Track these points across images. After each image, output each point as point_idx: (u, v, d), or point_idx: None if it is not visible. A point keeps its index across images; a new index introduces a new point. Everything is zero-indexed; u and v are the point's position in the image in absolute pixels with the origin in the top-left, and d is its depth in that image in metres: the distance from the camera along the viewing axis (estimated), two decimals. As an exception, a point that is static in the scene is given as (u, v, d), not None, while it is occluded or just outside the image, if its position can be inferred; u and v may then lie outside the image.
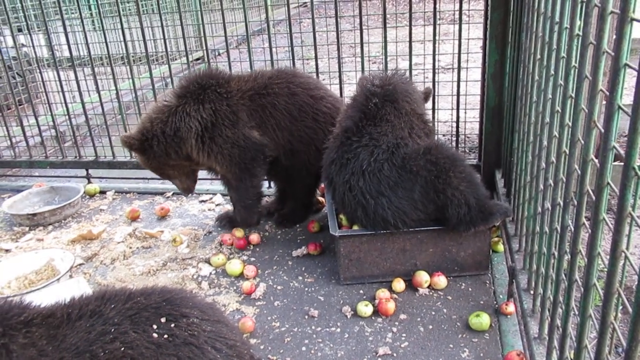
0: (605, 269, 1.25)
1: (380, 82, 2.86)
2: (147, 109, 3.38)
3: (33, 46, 4.48)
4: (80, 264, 3.23)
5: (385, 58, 3.60)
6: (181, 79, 3.27)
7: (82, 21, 3.99)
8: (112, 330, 1.59)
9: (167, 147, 3.14)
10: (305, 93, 3.22)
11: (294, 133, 3.19)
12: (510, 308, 2.49)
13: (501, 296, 2.66)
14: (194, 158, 3.20)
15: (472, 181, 2.62)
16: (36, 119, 4.44)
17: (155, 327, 1.62)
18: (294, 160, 3.27)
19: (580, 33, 1.46)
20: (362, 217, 2.69)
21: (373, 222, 2.67)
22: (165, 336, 1.61)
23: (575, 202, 1.50)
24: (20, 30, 5.71)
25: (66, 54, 4.11)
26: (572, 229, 1.53)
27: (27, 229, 3.74)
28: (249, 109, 3.15)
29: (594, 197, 1.32)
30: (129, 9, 7.66)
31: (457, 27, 3.44)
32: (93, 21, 7.11)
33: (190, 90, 3.14)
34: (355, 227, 2.84)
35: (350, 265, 2.80)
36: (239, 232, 3.37)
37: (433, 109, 3.62)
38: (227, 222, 3.50)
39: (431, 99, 3.33)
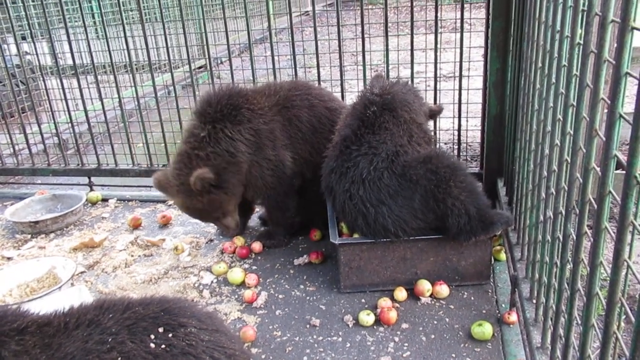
0: (608, 278, 1.24)
1: (380, 91, 2.86)
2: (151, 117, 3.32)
3: (37, 54, 4.51)
4: (81, 272, 3.23)
5: (387, 66, 3.61)
6: (205, 100, 3.06)
7: (85, 29, 4.01)
8: (110, 339, 1.58)
9: (235, 171, 2.98)
10: (322, 105, 3.20)
11: (314, 145, 3.15)
12: (513, 317, 2.48)
13: (503, 305, 2.64)
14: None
15: (473, 190, 2.61)
16: (39, 126, 4.45)
17: (152, 337, 1.61)
18: (313, 173, 3.19)
19: (581, 42, 1.46)
20: (363, 225, 2.69)
21: (373, 230, 2.66)
22: (163, 346, 1.60)
23: (577, 211, 1.49)
24: (24, 38, 5.76)
25: (69, 62, 4.14)
26: (574, 238, 1.52)
27: (29, 236, 3.74)
28: (281, 124, 3.09)
29: (595, 206, 1.31)
30: (132, 17, 7.71)
31: (458, 35, 3.45)
32: (96, 29, 7.15)
33: (222, 111, 2.98)
34: (355, 236, 2.83)
35: (350, 273, 2.79)
36: (239, 241, 3.36)
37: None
38: (266, 238, 3.39)
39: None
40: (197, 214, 3.10)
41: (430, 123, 3.23)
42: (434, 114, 3.14)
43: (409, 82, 3.21)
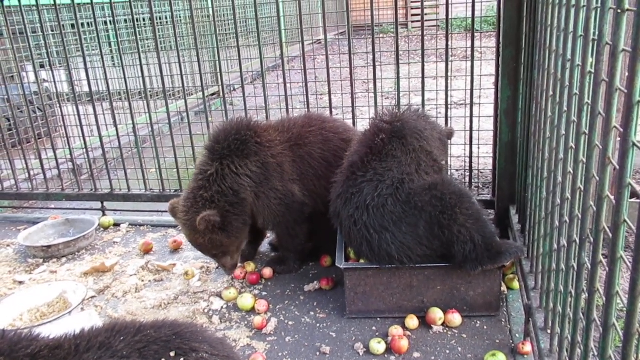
0: (625, 309, 1.22)
1: (390, 119, 2.88)
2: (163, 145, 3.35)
3: (54, 81, 4.61)
4: (92, 297, 3.23)
5: (398, 94, 3.64)
6: (214, 136, 3.10)
7: (102, 57, 4.10)
8: None
9: (239, 213, 3.01)
10: (337, 137, 3.21)
11: (329, 179, 3.11)
12: (527, 348, 2.43)
13: (517, 335, 2.59)
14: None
15: (479, 219, 2.59)
16: (54, 152, 4.52)
17: (164, 360, 1.60)
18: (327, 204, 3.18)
19: (592, 70, 1.47)
20: (367, 251, 2.68)
21: (378, 256, 2.65)
22: (175, 370, 1.59)
23: (592, 240, 1.48)
24: (42, 66, 5.90)
25: (86, 89, 4.22)
26: (589, 267, 1.50)
27: (41, 260, 3.76)
28: (291, 160, 3.11)
29: (610, 235, 1.29)
30: (148, 46, 7.88)
31: (469, 63, 3.48)
32: (113, 57, 7.31)
33: (230, 147, 3.01)
34: (362, 261, 2.81)
35: (356, 298, 2.77)
36: (249, 267, 3.35)
37: (446, 144, 3.63)
38: (276, 264, 3.39)
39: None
40: (198, 248, 3.14)
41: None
42: (449, 138, 3.16)
43: (421, 110, 3.22)
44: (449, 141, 3.25)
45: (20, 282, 3.47)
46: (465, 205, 2.57)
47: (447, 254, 2.61)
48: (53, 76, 4.43)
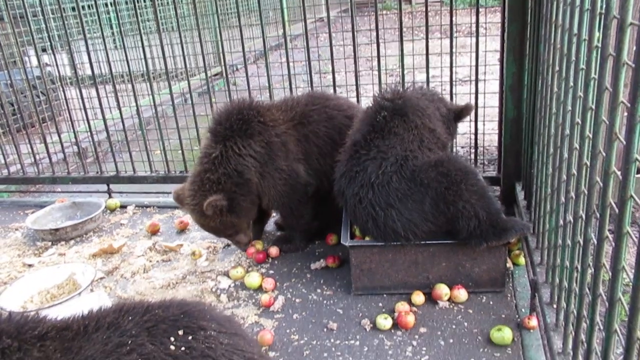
0: (631, 283, 1.23)
1: (391, 96, 2.86)
2: (168, 123, 3.33)
3: (57, 65, 4.59)
4: (101, 278, 3.27)
5: (402, 71, 3.61)
6: (216, 118, 3.08)
7: (103, 40, 4.08)
8: (129, 342, 1.59)
9: (246, 193, 3.02)
10: (341, 115, 3.20)
11: (335, 158, 3.11)
12: (533, 322, 2.45)
13: (523, 310, 2.61)
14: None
15: (484, 195, 2.59)
16: (59, 136, 4.53)
17: (172, 339, 1.62)
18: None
19: (600, 45, 1.45)
20: (373, 228, 2.69)
21: (383, 233, 2.66)
22: (183, 348, 1.61)
23: (598, 215, 1.48)
24: (44, 50, 5.87)
25: (88, 72, 4.20)
26: (595, 242, 1.50)
27: (49, 243, 3.80)
28: (295, 139, 3.10)
29: (617, 210, 1.30)
30: (149, 27, 7.82)
31: (474, 39, 3.44)
32: (114, 40, 7.27)
33: (233, 128, 3.00)
34: (367, 239, 2.83)
35: (361, 275, 2.79)
36: (259, 245, 3.38)
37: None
38: (283, 243, 3.41)
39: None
40: (210, 231, 3.17)
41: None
42: (461, 114, 3.10)
43: (425, 87, 3.20)
44: (466, 117, 3.20)
45: (30, 265, 3.51)
46: (470, 181, 2.57)
47: (452, 230, 2.62)
48: (55, 60, 4.41)
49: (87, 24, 5.86)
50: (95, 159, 4.49)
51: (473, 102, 3.60)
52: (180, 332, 1.65)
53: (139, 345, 1.59)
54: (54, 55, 4.39)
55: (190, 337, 1.64)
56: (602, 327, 1.45)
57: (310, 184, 3.17)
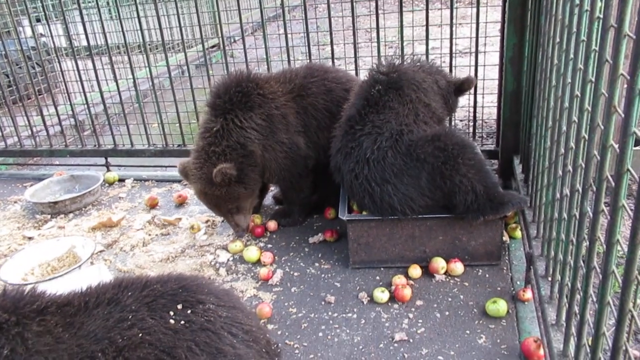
0: (625, 256, 1.24)
1: (387, 69, 2.83)
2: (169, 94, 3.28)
3: (51, 36, 4.53)
4: (100, 251, 3.29)
5: (402, 43, 3.56)
6: (215, 92, 3.05)
7: (99, 10, 4.02)
8: (130, 317, 1.61)
9: (253, 164, 2.99)
10: (339, 87, 3.17)
11: (333, 131, 3.14)
12: (528, 294, 2.48)
13: (518, 282, 2.64)
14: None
15: (482, 169, 2.59)
16: (56, 108, 4.50)
17: (172, 313, 1.65)
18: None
19: (601, 16, 1.43)
20: (370, 204, 2.70)
21: (380, 208, 2.67)
22: (182, 322, 1.63)
23: (595, 188, 1.48)
24: (38, 20, 5.78)
25: (84, 43, 4.15)
26: (591, 216, 1.51)
27: (48, 216, 3.81)
28: (295, 111, 3.08)
29: (613, 183, 1.29)
30: (145, -3, 7.68)
31: (474, 10, 3.38)
32: (110, 10, 7.15)
33: (232, 100, 2.97)
34: (365, 213, 2.84)
35: (359, 249, 2.81)
36: (258, 219, 3.39)
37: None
38: (281, 217, 3.43)
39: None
40: (212, 203, 3.08)
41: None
42: (462, 87, 3.04)
43: (423, 59, 3.15)
44: (468, 91, 3.16)
45: (30, 238, 3.53)
46: (467, 155, 2.56)
47: (449, 204, 2.63)
48: (50, 30, 4.35)
49: (81, -6, 5.75)
50: (93, 132, 4.47)
51: (473, 74, 3.57)
52: (179, 306, 1.67)
53: (140, 320, 1.61)
54: (49, 25, 4.33)
55: (189, 311, 1.67)
56: (595, 299, 1.46)
57: (310, 157, 3.16)
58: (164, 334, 1.60)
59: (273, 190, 3.76)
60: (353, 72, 3.73)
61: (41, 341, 1.54)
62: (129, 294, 1.68)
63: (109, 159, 4.50)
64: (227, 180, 2.90)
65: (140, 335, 1.58)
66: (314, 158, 3.19)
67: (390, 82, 2.77)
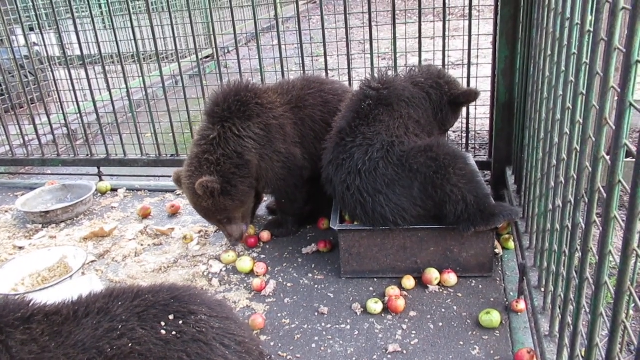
0: (617, 267, 1.24)
1: (377, 85, 2.84)
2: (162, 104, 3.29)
3: (45, 45, 4.52)
4: (92, 261, 3.27)
5: (395, 54, 3.59)
6: (213, 100, 3.04)
7: (92, 20, 4.01)
8: (120, 327, 1.59)
9: (245, 175, 2.97)
10: (336, 99, 3.19)
11: None
12: (521, 305, 2.48)
13: (512, 293, 2.65)
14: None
15: (473, 180, 2.60)
16: (48, 117, 4.48)
17: (163, 324, 1.63)
18: None
19: (592, 29, 1.45)
20: (362, 215, 2.70)
21: (372, 219, 2.67)
22: (174, 333, 1.62)
23: (587, 200, 1.49)
24: (32, 29, 5.77)
25: (77, 52, 4.15)
26: (583, 227, 1.52)
27: (40, 226, 3.78)
28: (292, 122, 3.09)
29: (605, 195, 1.30)
30: (139, 7, 7.70)
31: (467, 22, 3.42)
32: (103, 20, 7.15)
33: (231, 109, 2.96)
34: (356, 223, 2.84)
35: (350, 259, 2.81)
36: (251, 230, 3.38)
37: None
38: (274, 227, 3.41)
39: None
40: (203, 213, 3.09)
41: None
42: (458, 101, 3.01)
43: (424, 67, 3.15)
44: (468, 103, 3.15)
45: (20, 248, 3.49)
46: (459, 165, 2.57)
47: (440, 214, 2.64)
48: (43, 39, 4.34)
49: (75, 3, 5.76)
50: (85, 141, 4.45)
51: (465, 86, 3.59)
52: (171, 317, 1.65)
53: (130, 330, 1.59)
54: (42, 34, 4.32)
55: (181, 322, 1.65)
56: (588, 311, 1.47)
57: (306, 167, 3.16)
58: (155, 344, 1.58)
59: (266, 200, 3.75)
60: (347, 84, 3.76)
61: (25, 349, 1.51)
62: (120, 303, 1.66)
63: (102, 169, 4.47)
64: (210, 194, 2.89)
65: (130, 345, 1.56)
66: (310, 169, 3.19)
67: (380, 98, 2.79)
